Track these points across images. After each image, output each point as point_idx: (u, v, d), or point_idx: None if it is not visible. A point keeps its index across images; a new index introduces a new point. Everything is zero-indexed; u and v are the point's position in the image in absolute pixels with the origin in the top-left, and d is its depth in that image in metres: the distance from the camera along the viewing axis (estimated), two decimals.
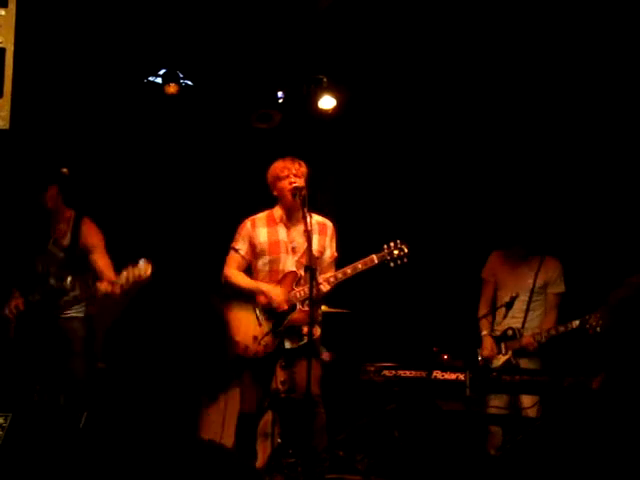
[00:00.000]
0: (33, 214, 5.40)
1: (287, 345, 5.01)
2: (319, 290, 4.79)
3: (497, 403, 5.88)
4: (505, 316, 5.89)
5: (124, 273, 4.98)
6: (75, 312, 5.31)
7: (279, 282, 5.04)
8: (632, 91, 6.23)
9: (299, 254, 5.07)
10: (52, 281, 5.27)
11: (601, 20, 5.87)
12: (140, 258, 4.98)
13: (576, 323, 5.62)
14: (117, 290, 5.03)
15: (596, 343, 5.92)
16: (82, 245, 5.31)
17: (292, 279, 5.02)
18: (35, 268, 5.31)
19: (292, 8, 6.22)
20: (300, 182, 4.98)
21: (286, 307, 4.98)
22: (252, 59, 6.92)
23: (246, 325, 5.02)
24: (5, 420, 4.43)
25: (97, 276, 5.28)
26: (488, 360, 5.94)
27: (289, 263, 5.07)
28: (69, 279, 5.26)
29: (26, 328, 5.19)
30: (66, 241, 5.31)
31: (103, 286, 5.08)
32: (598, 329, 5.46)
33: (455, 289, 6.87)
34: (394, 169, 7.59)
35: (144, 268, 4.94)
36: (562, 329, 5.72)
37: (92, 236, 5.36)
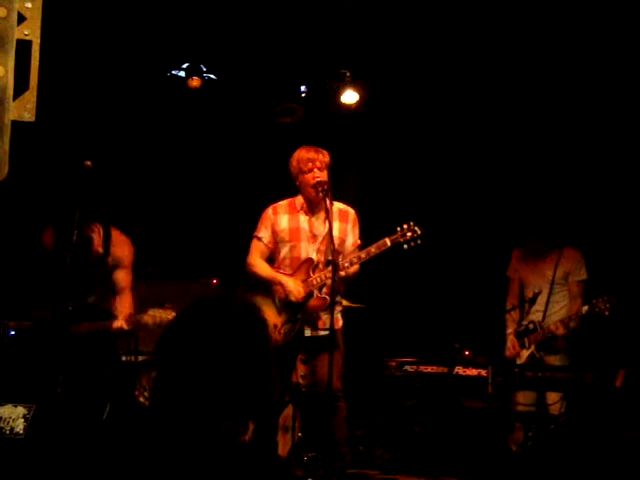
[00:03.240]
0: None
1: (307, 333, 4.98)
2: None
3: (523, 400, 5.84)
4: (528, 312, 5.86)
5: (150, 313, 4.93)
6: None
7: (296, 270, 5.02)
8: None
9: (319, 242, 5.05)
10: (91, 299, 5.24)
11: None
12: (166, 303, 4.99)
13: (585, 309, 5.58)
14: (131, 328, 5.05)
15: (616, 339, 5.89)
16: (112, 258, 5.21)
17: (308, 266, 5.00)
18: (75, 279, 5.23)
19: (315, 2, 6.21)
20: (323, 176, 4.95)
21: (303, 296, 4.96)
22: (275, 53, 6.92)
23: (267, 314, 4.98)
24: (29, 411, 4.46)
25: (114, 290, 5.23)
26: (511, 360, 5.90)
27: (310, 251, 5.04)
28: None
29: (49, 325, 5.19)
30: (98, 253, 5.18)
31: (117, 324, 5.06)
32: (607, 312, 5.41)
33: (478, 285, 6.84)
34: (417, 164, 7.56)
35: (169, 313, 4.90)
36: (574, 316, 5.67)
37: (123, 248, 5.26)
